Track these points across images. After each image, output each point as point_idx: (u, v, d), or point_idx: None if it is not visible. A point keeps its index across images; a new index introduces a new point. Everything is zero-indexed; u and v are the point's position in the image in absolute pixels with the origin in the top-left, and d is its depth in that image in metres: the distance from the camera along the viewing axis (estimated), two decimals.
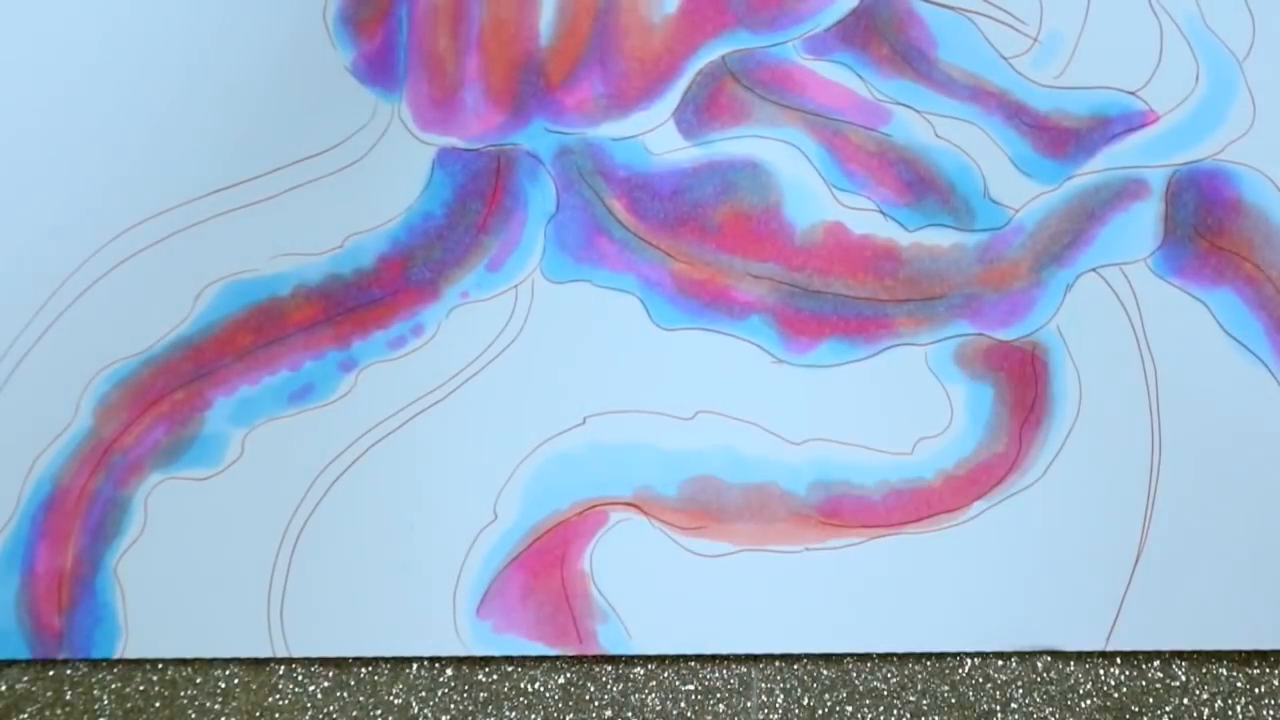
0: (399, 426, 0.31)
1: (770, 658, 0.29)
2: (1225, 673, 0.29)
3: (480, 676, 0.29)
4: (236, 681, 0.29)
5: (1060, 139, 0.33)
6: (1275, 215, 0.32)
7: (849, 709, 0.29)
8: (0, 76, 0.34)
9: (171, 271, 0.32)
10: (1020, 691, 0.29)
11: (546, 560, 0.30)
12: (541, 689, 0.29)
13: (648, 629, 0.29)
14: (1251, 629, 0.30)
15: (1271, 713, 0.29)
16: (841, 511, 0.30)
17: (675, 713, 0.29)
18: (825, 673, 0.29)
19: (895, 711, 0.29)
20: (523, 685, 0.29)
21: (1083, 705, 0.29)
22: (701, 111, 0.34)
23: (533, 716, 0.29)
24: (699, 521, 0.30)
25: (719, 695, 0.29)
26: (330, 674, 0.29)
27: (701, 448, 0.31)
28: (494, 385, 0.31)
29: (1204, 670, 0.29)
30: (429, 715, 0.29)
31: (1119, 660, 0.29)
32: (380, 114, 0.34)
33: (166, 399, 0.31)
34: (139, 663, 0.29)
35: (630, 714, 0.29)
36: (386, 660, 0.29)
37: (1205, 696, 0.29)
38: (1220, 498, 0.30)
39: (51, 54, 0.34)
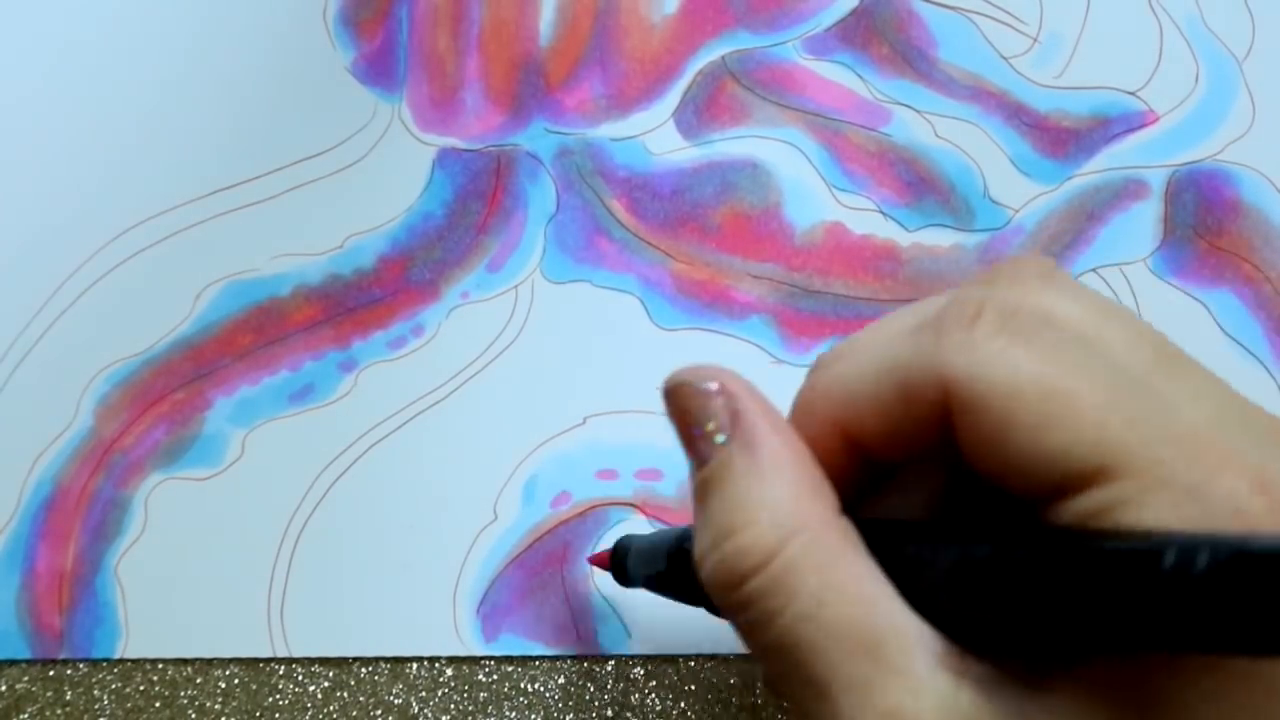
0: (399, 426, 0.31)
1: None
2: None
3: (480, 676, 0.29)
4: (236, 681, 0.29)
5: (1060, 139, 0.33)
6: (1274, 216, 0.32)
7: None
8: (0, 76, 0.34)
9: (171, 271, 0.32)
10: None
11: (546, 560, 0.30)
12: (541, 689, 0.29)
13: (648, 629, 0.29)
14: None
15: None
16: None
17: (675, 713, 0.29)
18: None
19: None
20: (523, 685, 0.29)
21: None
22: (701, 112, 0.34)
23: (533, 716, 0.29)
24: None
25: (719, 695, 0.29)
26: (330, 674, 0.29)
27: None
28: (494, 385, 0.31)
29: None
30: (429, 715, 0.29)
31: None
32: (380, 114, 0.34)
33: (167, 399, 0.31)
34: (139, 663, 0.29)
35: (630, 714, 0.29)
36: (386, 660, 0.29)
37: None
38: None
39: (51, 54, 0.34)
